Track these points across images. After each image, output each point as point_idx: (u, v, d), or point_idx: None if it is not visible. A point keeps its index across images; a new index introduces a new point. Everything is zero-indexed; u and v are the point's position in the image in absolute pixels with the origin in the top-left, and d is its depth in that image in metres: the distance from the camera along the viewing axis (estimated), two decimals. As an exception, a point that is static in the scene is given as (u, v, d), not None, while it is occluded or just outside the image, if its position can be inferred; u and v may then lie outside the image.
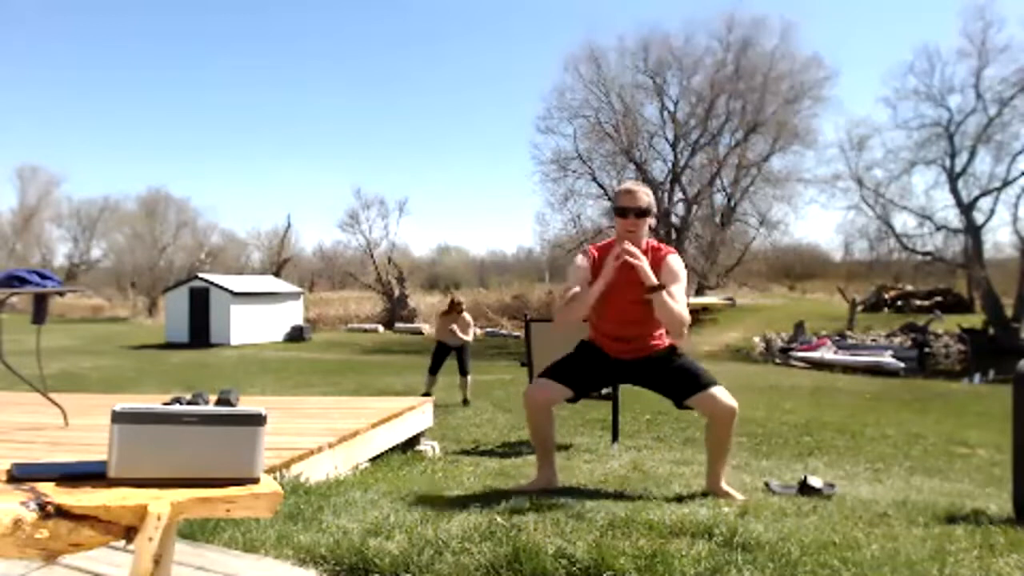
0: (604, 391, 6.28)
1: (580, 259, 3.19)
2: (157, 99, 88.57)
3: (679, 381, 3.07)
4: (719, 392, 2.99)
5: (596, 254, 3.16)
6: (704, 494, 3.06)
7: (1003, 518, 2.97)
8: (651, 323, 3.06)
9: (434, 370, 9.57)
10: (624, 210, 3.08)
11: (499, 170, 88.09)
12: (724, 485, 3.11)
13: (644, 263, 2.92)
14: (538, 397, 3.11)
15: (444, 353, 9.58)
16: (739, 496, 2.95)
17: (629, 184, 3.19)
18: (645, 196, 3.10)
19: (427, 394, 9.34)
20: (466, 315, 9.82)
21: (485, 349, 20.83)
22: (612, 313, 3.10)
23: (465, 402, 9.24)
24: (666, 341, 3.19)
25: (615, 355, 3.16)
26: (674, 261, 3.10)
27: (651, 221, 3.13)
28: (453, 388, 9.93)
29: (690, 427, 6.58)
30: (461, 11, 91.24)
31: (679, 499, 3.15)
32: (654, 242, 3.18)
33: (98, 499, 1.23)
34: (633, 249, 2.93)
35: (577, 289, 3.02)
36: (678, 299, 2.96)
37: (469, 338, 9.65)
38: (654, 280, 2.91)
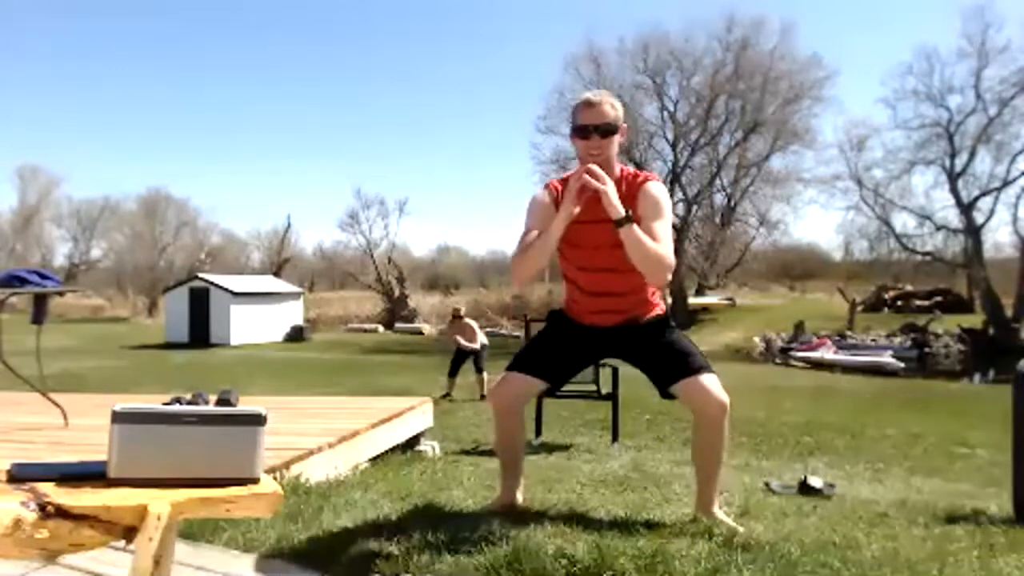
0: (604, 391, 6.31)
1: (540, 194, 2.53)
2: (157, 99, 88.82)
3: (664, 361, 2.46)
4: (708, 381, 2.37)
5: (560, 188, 2.48)
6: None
7: (1003, 518, 2.98)
8: (638, 278, 2.40)
9: (452, 373, 10.12)
10: (584, 129, 2.41)
11: (499, 170, 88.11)
12: (717, 510, 2.53)
13: (609, 188, 2.28)
14: (506, 394, 2.54)
15: (462, 357, 10.13)
16: (738, 528, 2.36)
17: (589, 94, 2.46)
18: (611, 108, 2.41)
19: (447, 395, 9.66)
20: (469, 322, 10.34)
21: (485, 349, 20.82)
22: (589, 259, 2.49)
23: (482, 397, 9.47)
24: (658, 307, 2.59)
25: (592, 322, 2.56)
26: (655, 189, 2.44)
27: (621, 139, 2.47)
28: (460, 388, 10.04)
29: (690, 427, 6.59)
30: (461, 11, 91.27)
31: (679, 499, 3.15)
32: (630, 169, 2.55)
33: (98, 499, 1.23)
34: (596, 170, 2.30)
35: (536, 233, 2.39)
36: (659, 236, 2.32)
37: (476, 346, 10.04)
38: (620, 210, 2.25)
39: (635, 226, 2.27)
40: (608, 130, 2.40)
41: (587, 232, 2.39)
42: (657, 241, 2.30)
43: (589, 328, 2.57)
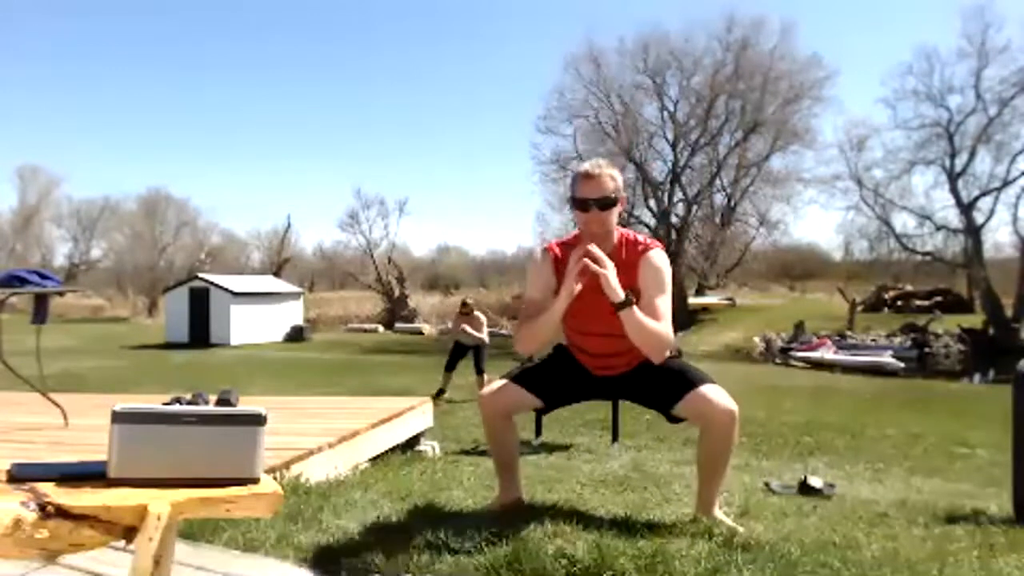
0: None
1: (538, 259, 2.56)
2: (157, 99, 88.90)
3: (663, 386, 2.46)
4: (712, 391, 2.36)
5: (559, 252, 2.51)
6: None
7: (1003, 518, 2.98)
8: None
9: (450, 367, 10.08)
10: (584, 202, 2.39)
11: (499, 170, 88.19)
12: (718, 512, 2.53)
13: (609, 272, 2.28)
14: (498, 402, 2.55)
15: (460, 352, 10.06)
16: (738, 528, 2.36)
17: (588, 166, 2.44)
18: (610, 180, 2.39)
19: (442, 391, 9.62)
20: (478, 314, 10.25)
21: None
22: (590, 325, 2.49)
23: None
24: None
25: (598, 374, 2.61)
26: (657, 259, 2.43)
27: (620, 209, 2.47)
28: (460, 388, 10.00)
29: (690, 426, 6.59)
30: (461, 11, 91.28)
31: (679, 499, 3.15)
32: (631, 234, 2.52)
33: (98, 499, 1.23)
34: (596, 252, 2.30)
35: (537, 308, 2.42)
36: (660, 312, 2.33)
37: (483, 336, 9.98)
38: (620, 295, 2.27)
39: (635, 309, 2.28)
40: (607, 203, 2.39)
41: (587, 301, 2.36)
42: (658, 318, 2.32)
43: (596, 376, 2.62)
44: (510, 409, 2.58)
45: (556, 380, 2.63)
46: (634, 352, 2.44)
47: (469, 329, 9.96)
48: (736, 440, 2.42)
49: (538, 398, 2.58)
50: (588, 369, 2.62)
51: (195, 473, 1.34)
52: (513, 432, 2.65)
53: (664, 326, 2.32)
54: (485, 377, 9.72)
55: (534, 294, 2.50)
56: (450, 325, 11.14)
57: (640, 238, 2.52)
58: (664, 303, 2.37)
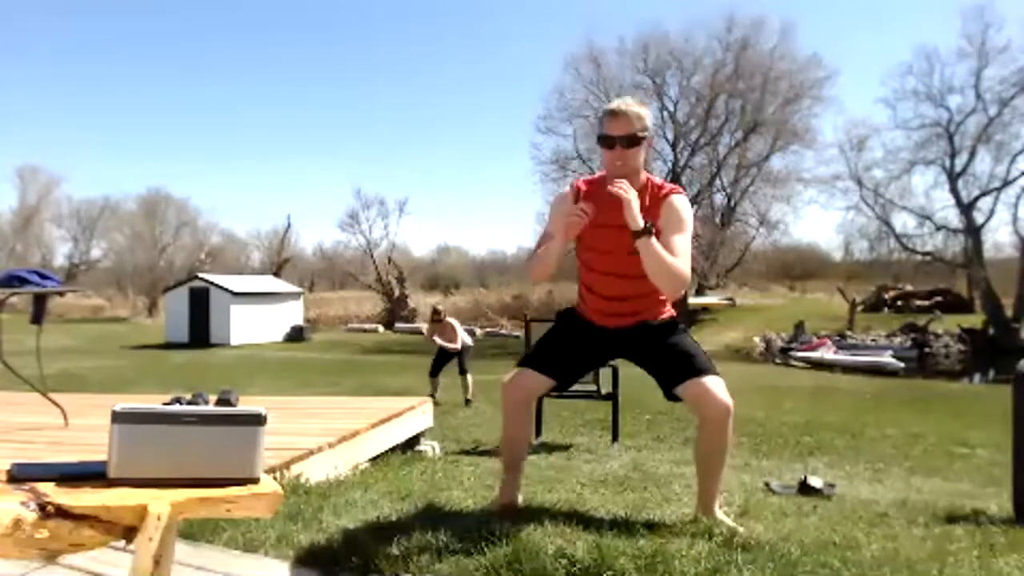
0: (604, 391, 6.31)
1: (563, 194, 2.58)
2: (157, 99, 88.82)
3: (670, 362, 2.46)
4: (712, 383, 2.37)
5: (584, 189, 2.54)
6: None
7: (1003, 518, 2.99)
8: (651, 283, 2.39)
9: (434, 373, 9.80)
10: (609, 139, 2.41)
11: (499, 170, 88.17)
12: (718, 510, 2.52)
13: (632, 198, 2.29)
14: (517, 388, 2.54)
15: (444, 357, 9.78)
16: (738, 528, 2.34)
17: (616, 103, 2.45)
18: (636, 118, 2.40)
19: (433, 397, 9.48)
20: (451, 321, 9.88)
21: (485, 349, 20.84)
22: (605, 263, 2.50)
23: (467, 403, 9.21)
24: (668, 311, 2.59)
25: (603, 323, 2.56)
26: (678, 202, 2.45)
27: (646, 147, 2.47)
28: (453, 388, 9.97)
29: (690, 427, 6.57)
30: (461, 11, 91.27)
31: (679, 499, 3.15)
32: (656, 179, 2.53)
33: (98, 499, 1.23)
34: (621, 182, 2.33)
35: (553, 230, 2.43)
36: (678, 250, 2.34)
37: (457, 346, 9.63)
38: (640, 222, 2.27)
39: (653, 239, 2.29)
40: (632, 140, 2.40)
41: (606, 236, 2.40)
42: (675, 255, 2.33)
43: (601, 329, 2.58)
44: (531, 395, 2.60)
45: (563, 352, 2.61)
46: (644, 301, 2.49)
47: (440, 340, 9.65)
48: (731, 436, 2.43)
49: (550, 377, 2.56)
50: (593, 321, 2.58)
51: (195, 473, 1.34)
52: (529, 429, 2.69)
53: (680, 262, 2.33)
54: (470, 379, 9.56)
55: (552, 227, 2.48)
56: (425, 331, 10.61)
57: (664, 183, 2.53)
58: (682, 242, 2.39)
